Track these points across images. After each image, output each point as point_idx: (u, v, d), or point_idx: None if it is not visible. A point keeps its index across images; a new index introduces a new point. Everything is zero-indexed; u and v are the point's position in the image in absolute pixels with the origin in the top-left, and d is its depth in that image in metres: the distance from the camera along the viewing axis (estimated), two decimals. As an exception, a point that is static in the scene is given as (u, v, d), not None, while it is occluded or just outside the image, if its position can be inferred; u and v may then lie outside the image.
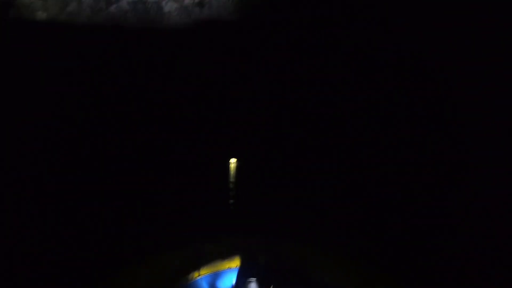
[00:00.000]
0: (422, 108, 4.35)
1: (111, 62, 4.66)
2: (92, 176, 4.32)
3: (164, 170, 4.41)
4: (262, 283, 3.83)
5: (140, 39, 4.60)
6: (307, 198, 4.32)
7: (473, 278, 3.49)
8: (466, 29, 3.90)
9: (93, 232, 4.05)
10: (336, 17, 4.40)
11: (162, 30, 4.58)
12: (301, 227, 4.07)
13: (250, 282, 3.86)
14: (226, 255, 4.11)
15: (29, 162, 4.29)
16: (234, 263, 4.11)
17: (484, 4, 3.71)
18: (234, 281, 4.04)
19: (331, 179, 4.36)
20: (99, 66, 4.62)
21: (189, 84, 4.49)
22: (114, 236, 4.08)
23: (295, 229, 4.07)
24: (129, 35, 4.64)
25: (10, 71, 4.39)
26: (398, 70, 4.38)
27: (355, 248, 3.87)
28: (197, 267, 3.98)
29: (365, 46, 4.35)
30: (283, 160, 4.42)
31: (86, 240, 4.01)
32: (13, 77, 4.55)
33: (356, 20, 4.32)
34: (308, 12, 4.39)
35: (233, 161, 4.52)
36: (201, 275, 4.00)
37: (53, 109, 4.46)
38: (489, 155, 3.76)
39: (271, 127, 4.44)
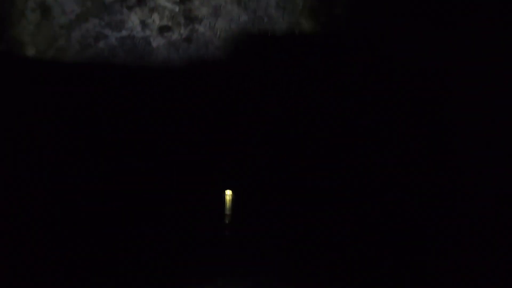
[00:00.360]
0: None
1: (100, 97, 4.69)
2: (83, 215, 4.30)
3: (155, 203, 4.40)
4: None
5: (129, 75, 4.64)
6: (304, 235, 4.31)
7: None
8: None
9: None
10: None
11: (151, 65, 4.62)
12: (298, 266, 4.05)
13: None
14: None
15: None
16: None
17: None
18: None
19: (330, 214, 4.36)
20: (88, 102, 4.64)
21: (179, 118, 4.52)
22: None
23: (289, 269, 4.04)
24: (117, 71, 4.68)
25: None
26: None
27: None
28: None
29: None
30: (281, 193, 4.42)
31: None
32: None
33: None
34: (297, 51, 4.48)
35: (228, 193, 4.50)
36: None
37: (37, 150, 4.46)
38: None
39: (266, 160, 4.45)
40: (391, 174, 4.33)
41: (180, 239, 4.18)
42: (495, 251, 3.65)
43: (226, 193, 4.46)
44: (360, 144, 4.57)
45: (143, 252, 4.10)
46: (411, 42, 4.49)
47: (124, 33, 4.68)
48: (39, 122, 4.60)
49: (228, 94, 4.57)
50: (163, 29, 4.65)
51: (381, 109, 4.57)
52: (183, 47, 4.61)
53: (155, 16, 4.65)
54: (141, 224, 4.30)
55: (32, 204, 4.21)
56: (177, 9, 4.64)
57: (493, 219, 3.76)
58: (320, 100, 4.68)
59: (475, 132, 4.00)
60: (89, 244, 4.04)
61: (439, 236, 4.05)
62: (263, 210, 4.34)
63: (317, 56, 4.73)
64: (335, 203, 4.37)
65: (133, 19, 4.67)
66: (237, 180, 4.42)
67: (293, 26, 4.70)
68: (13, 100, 4.68)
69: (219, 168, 4.38)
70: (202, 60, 4.55)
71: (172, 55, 4.60)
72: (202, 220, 4.29)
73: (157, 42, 4.64)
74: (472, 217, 3.93)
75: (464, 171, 4.05)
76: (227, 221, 4.36)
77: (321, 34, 4.73)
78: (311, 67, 4.67)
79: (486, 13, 4.05)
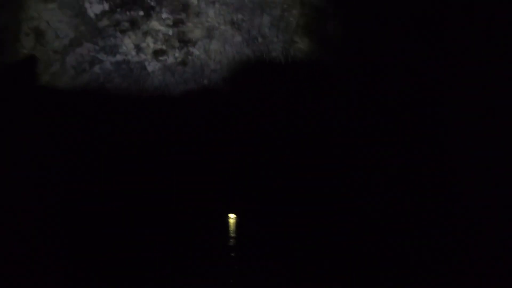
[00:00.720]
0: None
1: (96, 122, 4.69)
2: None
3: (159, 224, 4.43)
4: None
5: (125, 100, 4.64)
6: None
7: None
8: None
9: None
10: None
11: (147, 90, 4.63)
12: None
13: None
14: None
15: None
16: None
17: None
18: None
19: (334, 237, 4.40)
20: (84, 127, 4.65)
21: (179, 142, 4.53)
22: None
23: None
24: (113, 96, 4.68)
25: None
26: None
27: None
28: None
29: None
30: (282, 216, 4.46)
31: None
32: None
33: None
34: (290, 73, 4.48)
35: (232, 216, 4.56)
36: None
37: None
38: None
39: (267, 183, 4.49)
40: (394, 175, 4.36)
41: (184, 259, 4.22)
42: (496, 251, 3.69)
43: (230, 217, 4.53)
44: (358, 158, 4.61)
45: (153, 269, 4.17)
46: (404, 57, 4.49)
47: (119, 57, 4.66)
48: (36, 149, 4.61)
49: (226, 116, 4.60)
50: (157, 53, 4.65)
51: (377, 121, 4.60)
52: (179, 71, 4.61)
53: (149, 40, 4.64)
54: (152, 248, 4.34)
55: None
56: (170, 32, 4.62)
57: (493, 219, 3.78)
58: (316, 118, 4.71)
59: (474, 132, 4.00)
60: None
61: (443, 236, 4.08)
62: (266, 233, 4.40)
63: (313, 73, 4.74)
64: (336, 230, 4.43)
65: (127, 43, 4.65)
66: (240, 204, 4.48)
67: (288, 45, 4.71)
68: (10, 122, 4.68)
69: (221, 192, 4.43)
70: (198, 83, 4.56)
71: (168, 79, 4.61)
72: (208, 243, 4.34)
73: (152, 66, 4.64)
74: (471, 219, 3.96)
75: (464, 171, 4.09)
76: (231, 243, 4.43)
77: (316, 52, 4.74)
78: (306, 85, 4.69)
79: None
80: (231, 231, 4.56)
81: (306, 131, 4.67)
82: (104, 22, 4.55)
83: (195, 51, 4.63)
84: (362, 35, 4.67)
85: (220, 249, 4.43)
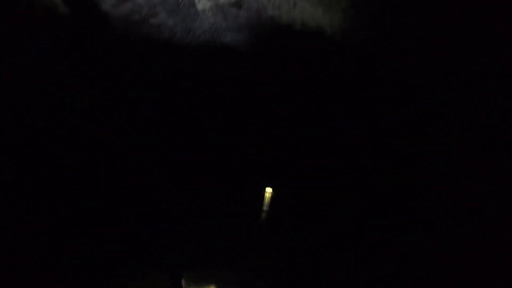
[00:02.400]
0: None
1: (132, 60, 4.27)
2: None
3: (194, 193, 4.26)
4: None
5: (168, 39, 4.16)
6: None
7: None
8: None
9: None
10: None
11: (194, 31, 4.11)
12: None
13: None
14: (202, 284, 4.14)
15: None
16: None
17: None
18: None
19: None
20: (118, 71, 4.24)
21: (220, 100, 4.12)
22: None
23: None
24: (156, 32, 4.19)
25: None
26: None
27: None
28: None
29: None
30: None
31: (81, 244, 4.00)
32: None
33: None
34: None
35: (268, 190, 4.36)
36: None
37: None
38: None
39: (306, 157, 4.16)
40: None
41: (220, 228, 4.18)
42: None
43: (266, 191, 4.36)
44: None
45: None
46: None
47: (166, -12, 4.07)
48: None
49: (279, 72, 4.09)
50: (210, -11, 4.03)
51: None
52: (232, 14, 4.03)
53: (202, -28, 4.00)
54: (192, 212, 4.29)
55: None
56: (227, -35, 3.97)
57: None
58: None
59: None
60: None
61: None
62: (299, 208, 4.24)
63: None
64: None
65: (177, -27, 4.03)
66: (277, 178, 4.25)
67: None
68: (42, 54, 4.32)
69: (260, 166, 4.18)
70: (252, 31, 4.00)
71: (219, 22, 4.04)
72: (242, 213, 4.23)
73: (202, 4, 4.05)
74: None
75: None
76: (264, 216, 4.35)
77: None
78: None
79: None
80: (266, 204, 4.37)
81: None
82: None
83: (253, -9, 4.00)
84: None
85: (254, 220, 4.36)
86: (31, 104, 4.08)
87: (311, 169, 4.26)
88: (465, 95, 3.83)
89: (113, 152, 4.30)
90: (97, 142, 4.29)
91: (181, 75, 4.13)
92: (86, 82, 4.39)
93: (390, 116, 4.04)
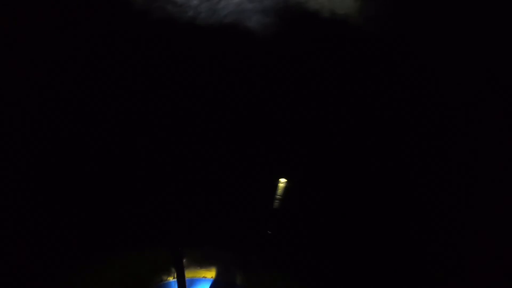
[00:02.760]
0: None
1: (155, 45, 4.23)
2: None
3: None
4: None
5: (193, 22, 4.12)
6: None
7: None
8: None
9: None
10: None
11: (220, 11, 4.06)
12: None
13: None
14: (204, 264, 4.14)
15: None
16: (210, 274, 4.14)
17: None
18: None
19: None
20: (140, 50, 4.21)
21: (242, 89, 4.06)
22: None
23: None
24: (180, 12, 4.15)
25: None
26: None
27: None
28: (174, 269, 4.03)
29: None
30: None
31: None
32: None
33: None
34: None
35: (283, 181, 4.31)
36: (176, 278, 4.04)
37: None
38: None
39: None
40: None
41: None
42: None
43: (280, 181, 4.33)
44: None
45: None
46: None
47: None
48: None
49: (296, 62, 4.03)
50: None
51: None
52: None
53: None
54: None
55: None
56: None
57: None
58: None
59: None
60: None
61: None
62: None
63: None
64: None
65: None
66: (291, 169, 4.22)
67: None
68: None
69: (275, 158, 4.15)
70: (279, 14, 3.95)
71: (244, 4, 4.00)
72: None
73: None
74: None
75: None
76: (278, 205, 4.33)
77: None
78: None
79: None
80: (279, 194, 4.45)
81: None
82: None
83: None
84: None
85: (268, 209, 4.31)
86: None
87: (328, 160, 4.19)
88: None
89: (131, 130, 4.27)
90: (124, 120, 4.26)
91: (203, 57, 4.09)
92: (106, 61, 4.36)
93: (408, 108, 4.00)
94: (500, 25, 3.55)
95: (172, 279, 4.05)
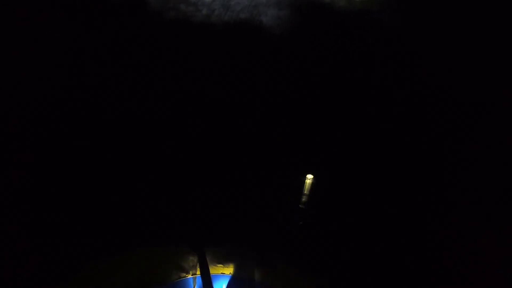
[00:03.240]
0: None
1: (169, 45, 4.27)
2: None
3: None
4: None
5: (208, 19, 4.15)
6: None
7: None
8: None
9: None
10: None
11: (234, 7, 4.10)
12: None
13: None
14: (222, 261, 4.16)
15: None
16: (228, 270, 4.15)
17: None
18: (224, 287, 4.09)
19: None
20: (154, 48, 4.24)
21: (262, 84, 4.06)
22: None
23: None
24: (194, 11, 4.19)
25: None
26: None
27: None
28: (193, 266, 4.06)
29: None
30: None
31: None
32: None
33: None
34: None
35: (309, 177, 4.29)
36: (195, 274, 4.05)
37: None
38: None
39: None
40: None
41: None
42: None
43: (307, 177, 4.31)
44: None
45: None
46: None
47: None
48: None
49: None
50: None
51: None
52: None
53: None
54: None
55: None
56: None
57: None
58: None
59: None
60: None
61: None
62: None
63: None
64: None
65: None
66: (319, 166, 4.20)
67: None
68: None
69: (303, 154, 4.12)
70: (294, 7, 3.97)
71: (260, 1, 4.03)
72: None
73: None
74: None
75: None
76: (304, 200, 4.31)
77: None
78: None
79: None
80: (306, 190, 4.47)
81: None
82: None
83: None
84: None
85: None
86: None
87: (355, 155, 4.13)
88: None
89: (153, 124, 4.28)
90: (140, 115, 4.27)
91: (219, 55, 4.11)
92: (120, 59, 4.39)
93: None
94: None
95: (189, 276, 4.02)
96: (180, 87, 4.34)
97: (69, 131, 3.91)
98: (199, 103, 4.21)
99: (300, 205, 4.29)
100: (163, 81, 4.38)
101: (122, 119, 4.13)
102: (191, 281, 4.02)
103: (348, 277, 3.85)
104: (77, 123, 3.94)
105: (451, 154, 4.04)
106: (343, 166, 4.12)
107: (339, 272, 3.91)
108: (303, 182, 4.27)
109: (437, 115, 3.97)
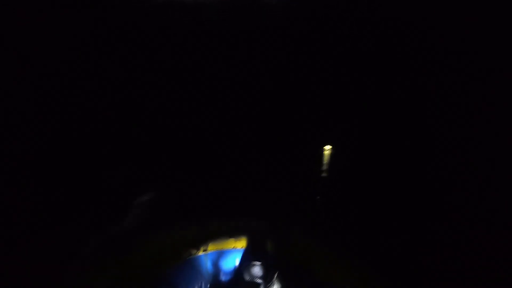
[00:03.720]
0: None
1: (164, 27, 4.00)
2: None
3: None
4: (267, 269, 3.80)
5: None
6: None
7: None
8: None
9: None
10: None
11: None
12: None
13: (254, 265, 3.86)
14: (234, 235, 4.06)
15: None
16: (240, 244, 4.05)
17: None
18: (237, 262, 4.01)
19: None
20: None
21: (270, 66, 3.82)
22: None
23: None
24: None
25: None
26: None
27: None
28: (204, 242, 3.95)
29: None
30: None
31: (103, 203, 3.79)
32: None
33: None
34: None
35: (327, 148, 4.12)
36: (207, 251, 3.99)
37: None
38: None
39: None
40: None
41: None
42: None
43: (325, 148, 4.15)
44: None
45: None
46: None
47: None
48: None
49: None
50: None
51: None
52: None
53: None
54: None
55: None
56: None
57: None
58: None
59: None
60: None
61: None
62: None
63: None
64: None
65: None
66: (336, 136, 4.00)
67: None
68: None
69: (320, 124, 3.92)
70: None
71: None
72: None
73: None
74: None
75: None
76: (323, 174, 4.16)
77: None
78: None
79: None
80: (325, 161, 4.22)
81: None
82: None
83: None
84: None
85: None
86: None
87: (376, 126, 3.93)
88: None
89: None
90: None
91: (219, 38, 3.85)
92: (115, 56, 4.22)
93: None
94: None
95: (201, 253, 4.01)
96: (195, 71, 4.21)
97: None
98: (212, 83, 4.04)
99: (318, 176, 4.15)
100: (167, 61, 4.25)
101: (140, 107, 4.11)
102: (203, 258, 4.04)
103: (364, 249, 3.80)
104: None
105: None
106: (364, 137, 3.98)
107: (354, 243, 3.85)
108: (322, 153, 4.18)
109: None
